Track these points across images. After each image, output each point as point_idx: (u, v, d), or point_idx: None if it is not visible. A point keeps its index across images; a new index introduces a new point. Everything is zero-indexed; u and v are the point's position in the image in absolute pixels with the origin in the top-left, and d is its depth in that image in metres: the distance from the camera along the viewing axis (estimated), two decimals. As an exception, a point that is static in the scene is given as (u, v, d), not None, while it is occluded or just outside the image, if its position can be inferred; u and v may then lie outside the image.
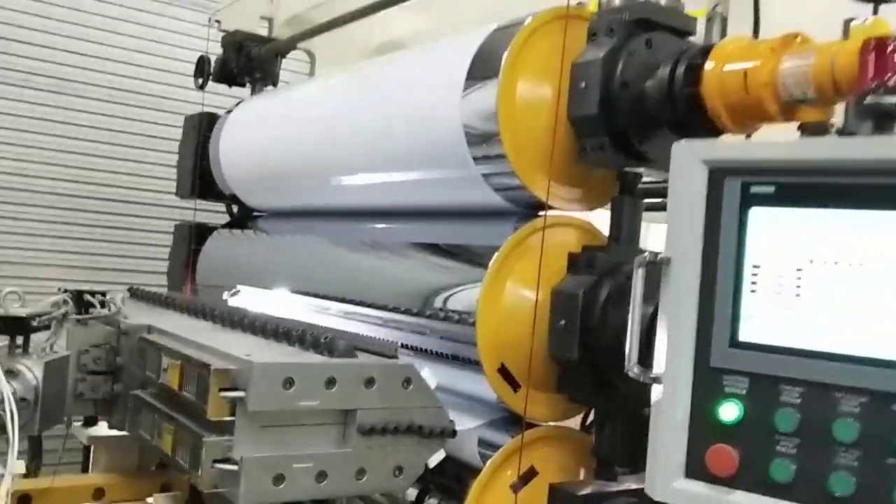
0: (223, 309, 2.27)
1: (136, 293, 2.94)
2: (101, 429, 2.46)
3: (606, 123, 1.78)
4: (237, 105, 3.45)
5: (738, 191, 1.21)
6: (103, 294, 2.24)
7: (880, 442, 1.10)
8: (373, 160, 2.41)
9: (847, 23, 1.46)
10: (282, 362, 1.59)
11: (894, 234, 1.11)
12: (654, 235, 1.89)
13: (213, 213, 3.63)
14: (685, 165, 1.24)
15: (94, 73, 4.47)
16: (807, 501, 1.12)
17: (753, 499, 1.17)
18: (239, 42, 3.60)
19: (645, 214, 1.97)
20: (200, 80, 3.69)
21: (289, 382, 1.54)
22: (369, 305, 2.33)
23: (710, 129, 1.70)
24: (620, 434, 1.80)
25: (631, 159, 1.83)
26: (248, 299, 2.94)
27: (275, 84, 3.67)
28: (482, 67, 1.96)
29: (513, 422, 1.91)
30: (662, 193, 1.84)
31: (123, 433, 2.14)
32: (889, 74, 1.19)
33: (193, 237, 3.49)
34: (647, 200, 1.97)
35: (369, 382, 1.62)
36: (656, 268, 1.28)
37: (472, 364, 1.90)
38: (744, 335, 1.22)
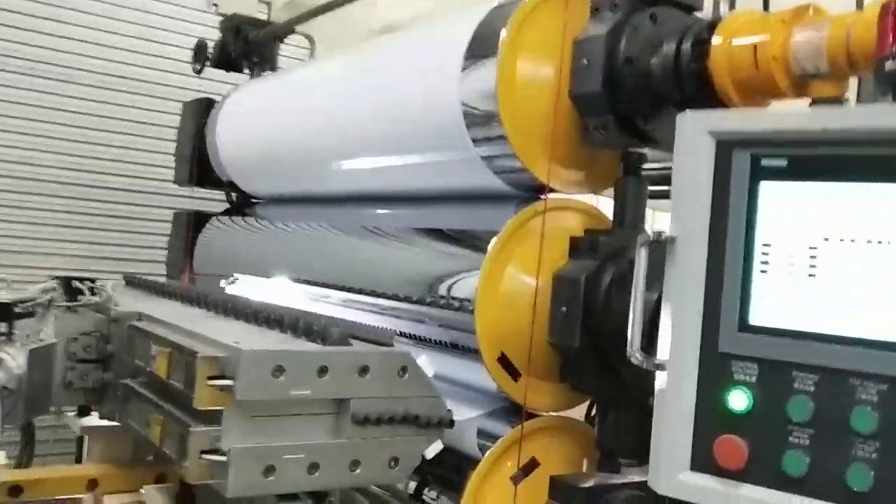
0: (217, 296, 2.24)
1: (131, 281, 2.93)
2: (95, 419, 2.44)
3: (610, 102, 1.75)
4: (234, 90, 3.42)
5: (748, 164, 1.15)
6: (93, 281, 2.21)
7: (902, 433, 1.04)
8: (371, 143, 2.38)
9: (861, -7, 1.40)
10: (271, 350, 1.54)
11: (916, 210, 1.05)
12: (658, 224, 1.84)
13: (217, 201, 3.61)
14: (691, 137, 1.18)
15: (91, 59, 4.44)
16: (821, 496, 1.07)
17: (764, 493, 1.12)
18: (237, 26, 3.58)
19: (650, 202, 1.93)
20: (198, 66, 3.65)
21: (279, 370, 1.49)
22: (368, 293, 2.30)
23: (718, 106, 1.64)
24: (624, 424, 1.77)
25: (635, 139, 1.80)
26: (246, 287, 2.92)
27: (273, 69, 3.65)
28: (481, 45, 1.91)
29: (513, 412, 1.88)
30: (668, 181, 1.80)
31: (117, 423, 2.11)
32: (911, 39, 1.13)
33: (192, 225, 3.47)
34: (652, 188, 1.93)
35: (363, 371, 1.58)
36: (660, 247, 1.23)
37: (472, 352, 1.87)
38: (754, 318, 1.16)
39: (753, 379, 1.16)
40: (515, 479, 1.79)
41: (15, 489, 2.32)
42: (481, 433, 1.92)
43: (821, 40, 1.45)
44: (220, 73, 3.69)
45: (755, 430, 1.15)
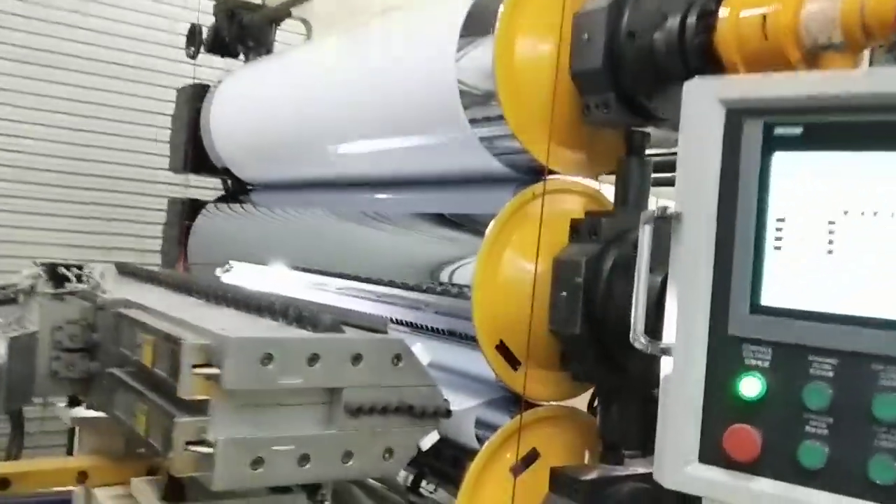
0: (207, 284, 2.23)
1: (123, 269, 2.91)
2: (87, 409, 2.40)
3: (612, 78, 1.72)
4: (227, 75, 3.40)
5: (760, 133, 1.10)
6: (80, 268, 2.15)
7: (928, 421, 0.99)
8: (367, 126, 2.36)
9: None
10: (259, 337, 1.52)
11: (944, 181, 1.00)
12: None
13: (216, 190, 3.58)
14: (699, 106, 1.12)
15: (79, 44, 4.42)
16: (841, 490, 1.02)
17: (779, 487, 1.07)
18: (231, 9, 3.56)
19: (653, 190, 1.90)
20: (192, 50, 3.61)
21: (267, 358, 1.46)
22: (364, 280, 2.28)
23: (725, 82, 1.59)
24: (628, 414, 1.74)
25: (638, 118, 1.77)
26: (242, 276, 2.90)
27: (269, 53, 3.61)
28: (477, 22, 1.89)
29: (512, 401, 1.87)
30: (669, 167, 1.77)
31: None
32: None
33: (186, 213, 3.46)
34: (655, 175, 1.90)
35: (356, 359, 1.55)
36: (666, 224, 1.18)
37: (470, 340, 1.85)
38: (766, 299, 1.11)
39: (766, 364, 1.11)
40: (515, 471, 1.77)
41: (2, 482, 2.28)
42: (479, 423, 1.89)
43: (834, 10, 1.39)
44: (218, 61, 3.67)
45: (768, 419, 1.10)
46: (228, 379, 1.43)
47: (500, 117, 1.80)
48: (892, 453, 1.00)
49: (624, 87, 1.71)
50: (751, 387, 1.11)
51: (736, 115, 1.12)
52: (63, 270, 2.11)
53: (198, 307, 2.03)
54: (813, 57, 1.46)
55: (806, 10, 1.43)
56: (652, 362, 1.24)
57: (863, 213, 1.03)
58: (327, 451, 1.54)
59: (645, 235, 1.20)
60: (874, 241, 1.03)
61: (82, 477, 2.38)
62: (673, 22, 1.64)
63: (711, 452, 1.14)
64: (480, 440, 1.83)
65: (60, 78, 4.36)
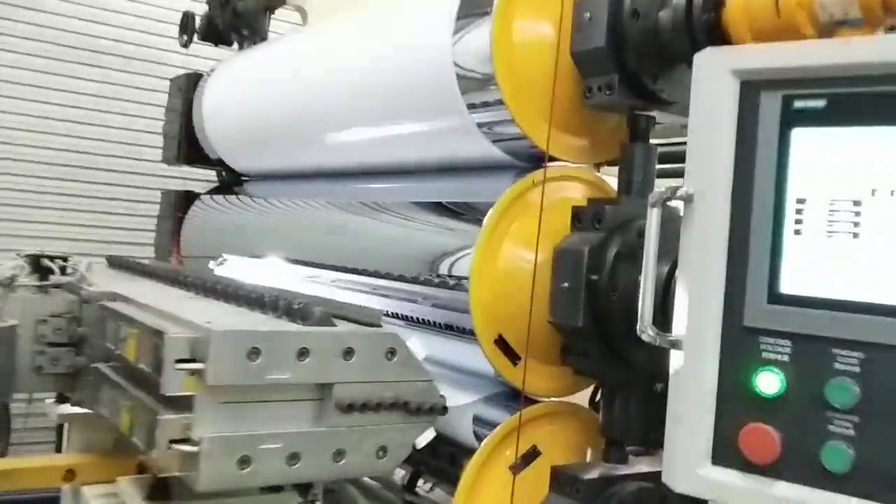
0: (196, 276, 2.21)
1: (114, 262, 2.92)
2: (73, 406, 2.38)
3: (615, 59, 1.68)
4: (220, 64, 3.37)
5: (778, 107, 1.04)
6: (65, 259, 2.11)
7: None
8: (363, 113, 2.33)
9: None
10: (245, 330, 1.48)
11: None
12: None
13: (214, 182, 3.56)
14: (710, 78, 1.07)
15: (70, 34, 4.40)
16: (869, 495, 0.97)
17: (800, 491, 1.02)
18: None
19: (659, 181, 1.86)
20: (185, 38, 3.56)
21: (254, 353, 1.43)
22: (360, 272, 2.25)
23: (735, 61, 1.54)
24: (632, 410, 1.71)
25: (643, 101, 1.73)
26: (236, 268, 2.88)
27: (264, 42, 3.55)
28: (474, 3, 1.86)
29: (512, 397, 1.84)
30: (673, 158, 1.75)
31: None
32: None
33: (180, 205, 3.44)
34: (660, 166, 1.87)
35: (348, 353, 1.53)
36: (675, 209, 1.12)
37: (467, 334, 1.82)
38: (786, 287, 1.07)
39: (786, 358, 1.06)
40: (514, 469, 1.74)
41: (-11, 480, 2.25)
42: (477, 420, 1.87)
43: (852, -17, 1.34)
44: (212, 51, 3.62)
45: (788, 417, 1.06)
46: (213, 374, 1.41)
47: (499, 102, 1.77)
48: (926, 455, 0.96)
49: (627, 68, 1.68)
50: (769, 383, 1.07)
51: (751, 88, 1.07)
52: (47, 262, 2.07)
53: (186, 300, 2.01)
54: (828, 34, 1.41)
55: (821, -17, 1.39)
56: (659, 354, 1.20)
57: (892, 193, 0.98)
58: (318, 449, 1.52)
59: (653, 219, 1.15)
60: (904, 223, 0.98)
61: (70, 475, 2.37)
62: (679, -1, 1.60)
63: (726, 454, 1.10)
64: (479, 437, 1.81)
65: (55, 69, 4.36)
